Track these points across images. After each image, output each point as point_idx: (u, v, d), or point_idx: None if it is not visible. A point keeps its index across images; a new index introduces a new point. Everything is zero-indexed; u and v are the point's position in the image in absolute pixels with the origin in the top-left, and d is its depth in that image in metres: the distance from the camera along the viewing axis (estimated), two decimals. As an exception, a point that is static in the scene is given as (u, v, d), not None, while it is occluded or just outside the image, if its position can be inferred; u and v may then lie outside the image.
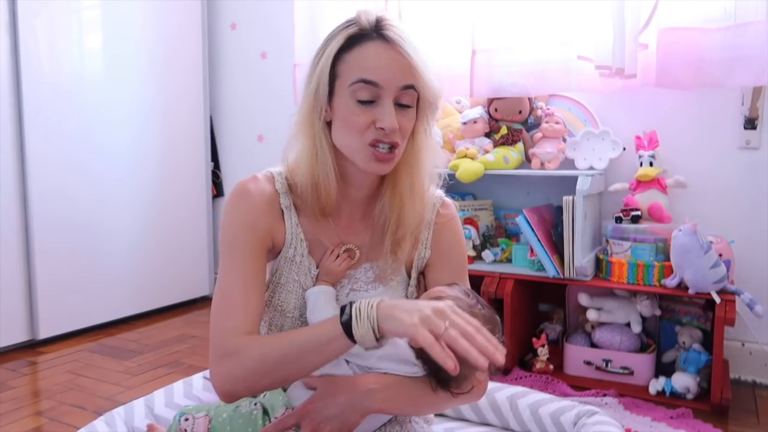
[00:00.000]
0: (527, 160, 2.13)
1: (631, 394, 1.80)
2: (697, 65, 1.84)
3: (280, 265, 1.01)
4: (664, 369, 1.90)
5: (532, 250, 1.96)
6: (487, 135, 2.17)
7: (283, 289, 1.01)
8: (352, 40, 0.91)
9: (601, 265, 1.95)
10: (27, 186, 2.24)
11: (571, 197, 1.86)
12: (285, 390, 0.98)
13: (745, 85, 1.88)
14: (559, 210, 1.92)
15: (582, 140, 2.04)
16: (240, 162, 2.99)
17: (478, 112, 2.16)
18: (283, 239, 1.00)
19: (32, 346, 2.28)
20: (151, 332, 2.47)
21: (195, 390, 1.41)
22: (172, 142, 2.75)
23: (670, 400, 1.77)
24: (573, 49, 2.03)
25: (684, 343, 1.87)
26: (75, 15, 2.37)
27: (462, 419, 1.42)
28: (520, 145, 2.13)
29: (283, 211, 1.00)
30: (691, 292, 1.73)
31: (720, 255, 1.75)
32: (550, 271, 1.91)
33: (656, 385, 1.81)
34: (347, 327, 0.82)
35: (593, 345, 1.97)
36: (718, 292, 1.71)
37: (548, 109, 2.13)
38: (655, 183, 1.96)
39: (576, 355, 1.96)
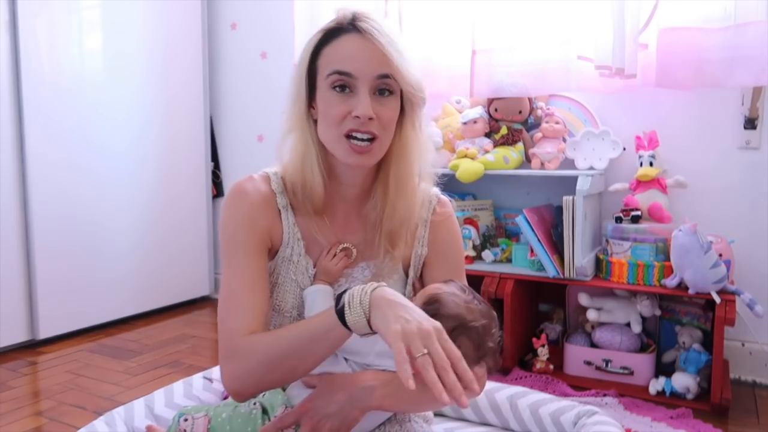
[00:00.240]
0: (527, 160, 2.13)
1: (631, 394, 1.80)
2: (697, 65, 1.84)
3: (278, 264, 1.02)
4: (664, 369, 1.90)
5: (532, 250, 1.96)
6: (487, 135, 2.17)
7: (280, 289, 1.01)
8: (329, 35, 0.93)
9: (601, 265, 1.95)
10: (27, 186, 2.24)
11: (571, 197, 1.86)
12: (284, 389, 0.98)
13: (745, 85, 1.88)
14: (559, 210, 1.92)
15: (582, 140, 2.04)
16: (240, 162, 2.99)
17: (478, 112, 2.16)
18: (281, 239, 1.01)
19: (32, 346, 2.28)
20: (151, 332, 2.47)
21: (195, 390, 1.41)
22: (172, 142, 2.75)
23: (670, 400, 1.77)
24: (573, 49, 2.03)
25: (684, 343, 1.87)
26: (75, 15, 2.37)
27: (462, 419, 1.42)
28: (520, 145, 2.13)
29: (280, 210, 1.00)
30: (691, 292, 1.73)
31: (720, 255, 1.75)
32: (550, 271, 1.91)
33: (656, 385, 1.81)
34: (342, 315, 0.82)
35: (593, 345, 1.97)
36: (718, 292, 1.71)
37: (548, 109, 2.13)
38: (655, 183, 1.96)
39: (576, 355, 1.96)
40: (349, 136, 0.92)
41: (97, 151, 2.46)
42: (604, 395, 1.79)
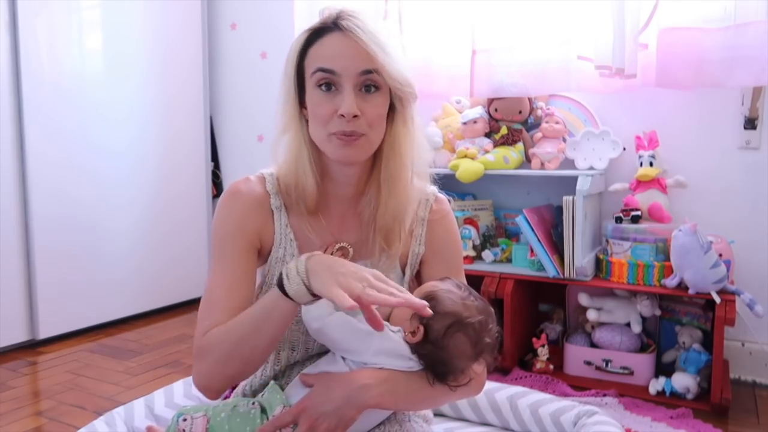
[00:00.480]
0: (527, 160, 2.13)
1: (631, 394, 1.80)
2: (697, 65, 1.84)
3: (271, 265, 1.02)
4: (664, 369, 1.90)
5: (532, 250, 1.96)
6: (487, 135, 2.17)
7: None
8: (315, 35, 0.94)
9: (601, 265, 1.95)
10: (27, 186, 2.24)
11: (571, 197, 1.86)
12: (283, 389, 0.98)
13: (745, 85, 1.88)
14: (559, 210, 1.92)
15: (582, 140, 2.04)
16: (240, 162, 2.99)
17: (478, 112, 2.16)
18: (272, 240, 1.02)
19: (32, 346, 2.28)
20: (151, 332, 2.47)
21: (195, 390, 1.41)
22: (172, 142, 2.76)
23: (670, 400, 1.77)
24: (573, 49, 2.03)
25: (684, 343, 1.87)
26: (75, 15, 2.37)
27: (462, 419, 1.42)
28: (520, 145, 2.13)
29: (273, 211, 1.01)
30: (691, 292, 1.73)
31: (720, 255, 1.75)
32: (550, 271, 1.91)
33: (656, 385, 1.81)
34: (282, 288, 0.85)
35: (593, 345, 1.97)
36: (718, 292, 1.71)
37: (548, 109, 2.13)
38: (655, 183, 1.96)
39: (576, 355, 1.96)
40: (334, 134, 0.93)
41: (97, 151, 2.46)
42: (604, 395, 1.79)
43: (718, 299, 1.70)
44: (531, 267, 1.99)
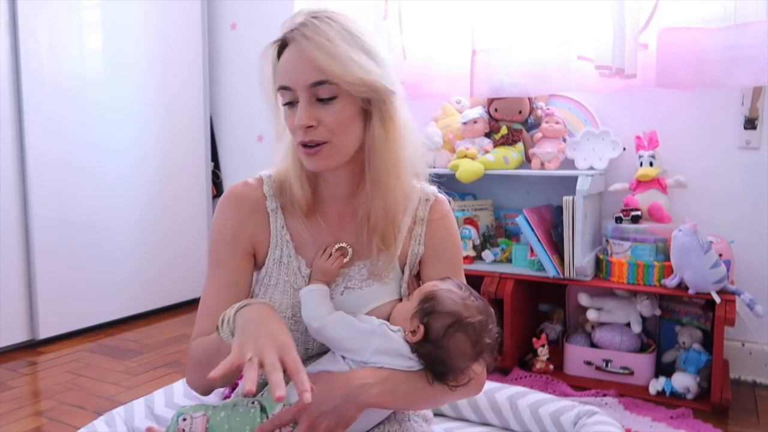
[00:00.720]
0: (527, 160, 2.13)
1: (631, 394, 1.80)
2: (697, 65, 1.84)
3: (269, 267, 1.03)
4: (664, 369, 1.90)
5: (532, 250, 1.96)
6: (487, 135, 2.17)
7: (274, 290, 1.02)
8: (280, 50, 0.95)
9: (601, 265, 1.95)
10: (27, 186, 2.24)
11: (571, 197, 1.86)
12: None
13: (745, 85, 1.88)
14: (559, 210, 1.92)
15: (582, 140, 2.04)
16: (240, 162, 2.99)
17: (478, 112, 2.16)
18: (268, 242, 1.03)
19: (32, 346, 2.28)
20: (151, 332, 2.47)
21: (195, 390, 1.41)
22: (172, 142, 2.76)
23: (670, 400, 1.77)
24: (573, 49, 2.03)
25: (684, 343, 1.87)
26: (75, 15, 2.37)
27: (462, 419, 1.42)
28: (520, 145, 2.13)
29: (269, 214, 1.03)
30: (691, 292, 1.73)
31: (720, 255, 1.75)
32: (550, 271, 1.91)
33: (656, 385, 1.81)
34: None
35: (593, 345, 1.97)
36: (718, 292, 1.71)
37: (548, 109, 2.13)
38: (655, 183, 1.96)
39: (576, 355, 1.96)
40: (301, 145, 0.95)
41: (97, 150, 2.46)
42: (604, 395, 1.79)
43: (718, 299, 1.70)
44: (531, 267, 1.99)
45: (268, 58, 0.95)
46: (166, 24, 2.69)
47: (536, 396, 1.37)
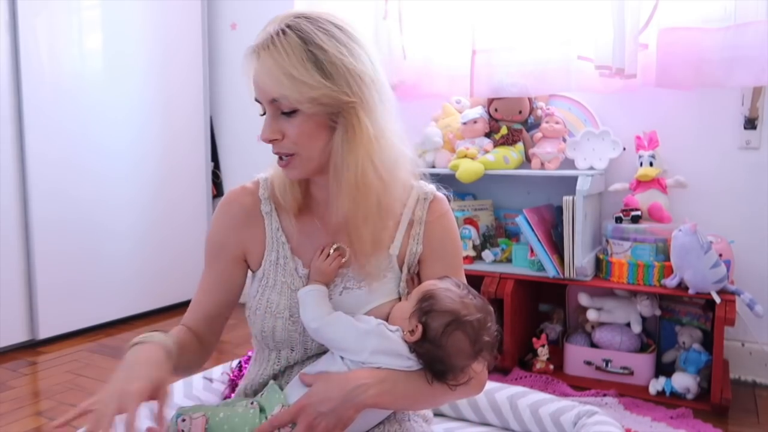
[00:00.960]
0: (527, 160, 2.13)
1: (631, 394, 1.80)
2: (697, 65, 1.84)
3: (266, 268, 1.04)
4: (664, 369, 1.90)
5: (532, 250, 1.96)
6: (487, 135, 2.17)
7: (272, 291, 1.02)
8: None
9: (601, 265, 1.95)
10: (27, 186, 2.24)
11: (571, 197, 1.86)
12: (282, 388, 0.98)
13: (745, 85, 1.88)
14: (559, 210, 1.92)
15: (582, 140, 2.04)
16: (240, 162, 2.99)
17: (478, 112, 2.16)
18: (263, 244, 1.04)
19: (32, 346, 2.28)
20: (151, 332, 2.46)
21: (195, 390, 1.41)
22: (172, 142, 2.76)
23: (670, 400, 1.77)
24: (573, 49, 2.03)
25: (684, 343, 1.87)
26: (75, 15, 2.37)
27: (462, 419, 1.42)
28: (520, 145, 2.13)
29: (263, 217, 1.04)
30: (691, 292, 1.73)
31: (720, 255, 1.75)
32: (550, 271, 1.91)
33: (656, 385, 1.81)
34: None
35: (593, 345, 1.97)
36: (718, 292, 1.71)
37: (548, 109, 2.13)
38: (655, 183, 1.96)
39: (576, 355, 1.96)
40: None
41: (97, 150, 2.46)
42: (604, 395, 1.79)
43: (718, 299, 1.70)
44: (531, 267, 1.99)
45: (249, 67, 0.96)
46: (166, 24, 2.69)
47: (536, 396, 1.37)
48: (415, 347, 0.93)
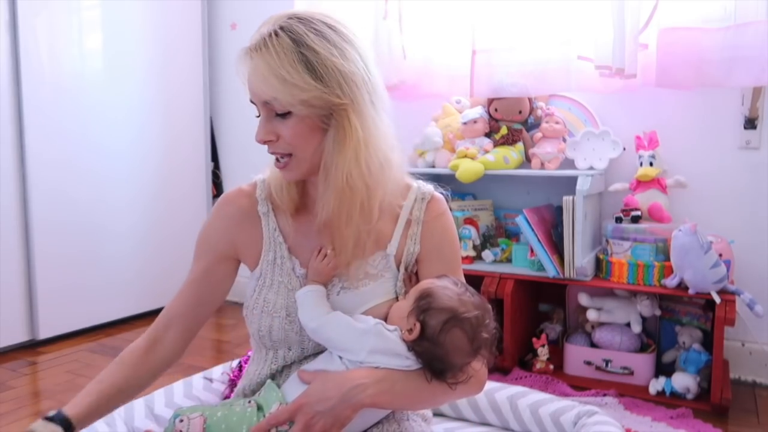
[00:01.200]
0: (527, 160, 2.13)
1: (631, 394, 1.80)
2: (697, 65, 1.84)
3: (263, 268, 1.04)
4: (664, 369, 1.90)
5: (532, 250, 1.96)
6: (487, 135, 2.17)
7: (269, 291, 1.02)
8: None
9: (601, 265, 1.95)
10: (27, 186, 2.24)
11: (571, 197, 1.86)
12: (279, 386, 0.98)
13: (745, 85, 1.88)
14: (559, 210, 1.92)
15: (582, 140, 2.04)
16: (240, 162, 2.99)
17: (478, 112, 2.16)
18: (261, 245, 1.04)
19: (32, 346, 2.28)
20: (151, 332, 2.46)
21: (195, 390, 1.41)
22: (172, 142, 2.76)
23: (670, 400, 1.77)
24: (573, 49, 2.03)
25: (684, 343, 1.86)
26: (75, 15, 2.37)
27: (462, 419, 1.42)
28: (520, 145, 2.13)
29: (260, 217, 1.05)
30: (691, 292, 1.73)
31: (720, 255, 1.75)
32: (550, 271, 1.91)
33: (656, 385, 1.80)
34: None
35: (593, 345, 1.97)
36: (718, 292, 1.71)
37: (548, 109, 2.13)
38: (655, 183, 1.96)
39: (576, 355, 1.96)
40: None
41: (97, 151, 2.46)
42: (604, 395, 1.79)
43: (718, 299, 1.70)
44: (531, 267, 1.99)
45: (241, 68, 0.96)
46: (166, 24, 2.69)
47: (536, 396, 1.37)
48: (413, 346, 0.93)
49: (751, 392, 1.90)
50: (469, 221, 2.16)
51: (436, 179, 1.11)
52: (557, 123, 2.08)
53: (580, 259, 1.86)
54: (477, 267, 2.05)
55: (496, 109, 2.15)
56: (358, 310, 1.00)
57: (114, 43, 2.50)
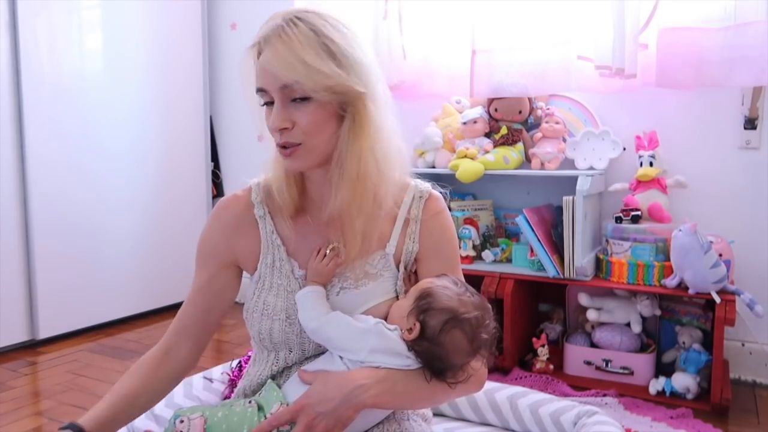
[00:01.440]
0: (527, 160, 2.13)
1: (631, 394, 1.80)
2: (697, 65, 1.84)
3: (262, 271, 1.04)
4: (664, 369, 1.90)
5: (532, 250, 1.96)
6: (487, 135, 2.17)
7: (268, 294, 1.02)
8: (259, 54, 0.95)
9: (601, 265, 1.95)
10: (27, 186, 2.24)
11: (571, 197, 1.86)
12: (280, 387, 0.98)
13: (745, 85, 1.88)
14: (559, 210, 1.92)
15: (582, 140, 2.04)
16: (240, 162, 2.99)
17: (478, 112, 2.16)
18: (259, 249, 1.04)
19: (32, 346, 2.28)
20: (151, 332, 2.46)
21: (195, 390, 1.41)
22: (172, 142, 2.75)
23: (670, 400, 1.77)
24: (573, 49, 2.03)
25: (684, 343, 1.86)
26: (75, 15, 2.37)
27: (462, 419, 1.42)
28: (520, 145, 2.13)
29: (257, 221, 1.04)
30: (691, 292, 1.73)
31: (720, 255, 1.75)
32: (550, 271, 1.91)
33: (656, 385, 1.80)
34: None
35: (593, 345, 1.97)
36: (718, 292, 1.71)
37: (548, 109, 2.13)
38: (655, 183, 1.96)
39: (576, 355, 1.96)
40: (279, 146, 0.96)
41: (97, 151, 2.46)
42: (604, 395, 1.79)
43: (718, 299, 1.70)
44: (531, 267, 1.99)
45: (248, 61, 0.95)
46: (166, 24, 2.69)
47: (536, 396, 1.37)
48: (413, 345, 0.93)
49: (751, 392, 1.90)
50: (469, 221, 2.16)
51: (436, 179, 1.11)
52: (557, 123, 2.08)
53: (580, 259, 1.86)
54: (477, 267, 2.05)
55: (496, 109, 2.15)
56: (358, 310, 1.00)
57: (114, 43, 2.50)
